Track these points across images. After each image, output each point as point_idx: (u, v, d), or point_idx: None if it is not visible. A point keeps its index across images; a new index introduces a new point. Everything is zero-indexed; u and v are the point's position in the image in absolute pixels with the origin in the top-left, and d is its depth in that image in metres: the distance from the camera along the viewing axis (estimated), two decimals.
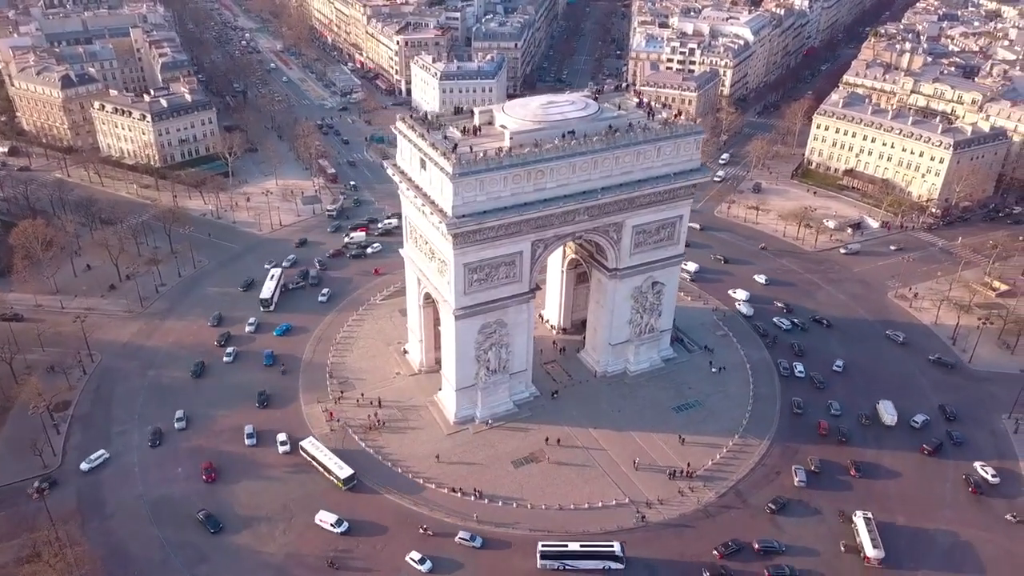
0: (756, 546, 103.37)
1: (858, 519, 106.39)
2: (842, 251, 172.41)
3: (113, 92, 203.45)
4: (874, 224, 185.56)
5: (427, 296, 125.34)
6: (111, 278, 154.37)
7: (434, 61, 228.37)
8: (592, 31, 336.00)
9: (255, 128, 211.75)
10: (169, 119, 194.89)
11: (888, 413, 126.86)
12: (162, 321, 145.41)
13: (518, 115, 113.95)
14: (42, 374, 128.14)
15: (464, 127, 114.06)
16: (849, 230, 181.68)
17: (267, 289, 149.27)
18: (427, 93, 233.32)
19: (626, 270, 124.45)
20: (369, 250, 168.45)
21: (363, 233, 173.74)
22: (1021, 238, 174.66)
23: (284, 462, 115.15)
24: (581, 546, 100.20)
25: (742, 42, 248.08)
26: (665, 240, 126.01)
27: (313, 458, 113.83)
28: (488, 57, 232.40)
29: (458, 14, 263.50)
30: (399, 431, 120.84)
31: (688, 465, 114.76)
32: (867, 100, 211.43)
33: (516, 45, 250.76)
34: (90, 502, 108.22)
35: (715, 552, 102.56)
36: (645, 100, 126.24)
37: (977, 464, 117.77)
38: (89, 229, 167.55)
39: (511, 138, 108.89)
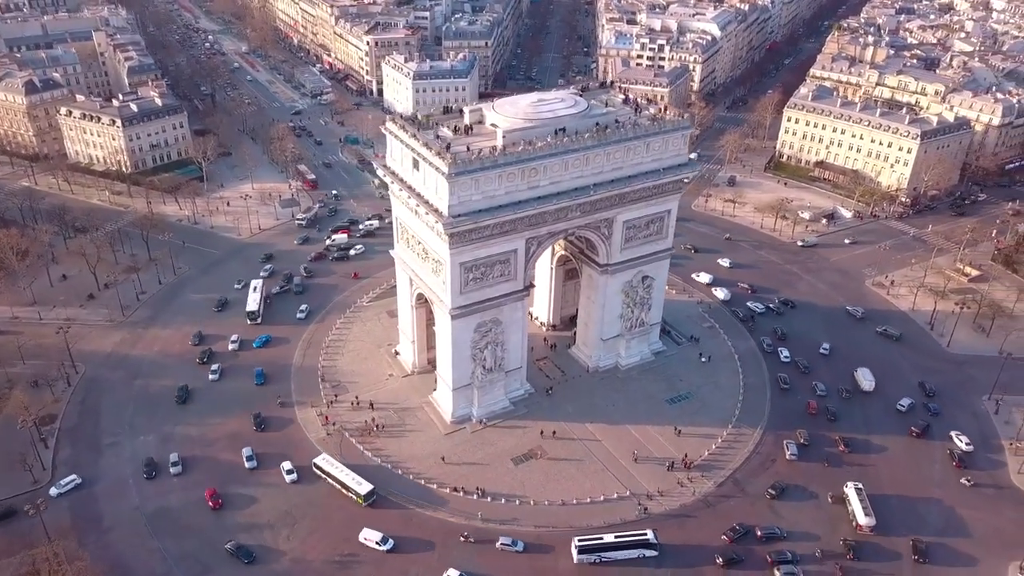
0: (759, 533, 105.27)
1: (849, 489, 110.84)
2: (799, 243, 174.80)
3: (80, 97, 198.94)
4: (847, 214, 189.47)
5: (419, 296, 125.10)
6: (89, 287, 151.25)
7: (406, 61, 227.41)
8: (558, 29, 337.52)
9: (227, 132, 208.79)
10: (140, 124, 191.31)
11: (866, 380, 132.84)
12: (145, 330, 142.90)
13: (509, 113, 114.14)
14: (25, 387, 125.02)
15: (455, 126, 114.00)
16: (824, 220, 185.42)
17: (252, 301, 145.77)
18: (399, 93, 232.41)
19: (617, 265, 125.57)
20: (352, 252, 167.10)
21: (345, 235, 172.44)
22: (995, 228, 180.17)
23: (293, 490, 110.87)
24: (616, 537, 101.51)
25: (709, 38, 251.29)
26: (654, 235, 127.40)
27: (328, 475, 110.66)
28: (460, 56, 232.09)
29: (427, 13, 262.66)
30: (397, 433, 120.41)
31: (686, 456, 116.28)
32: (835, 93, 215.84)
33: (487, 44, 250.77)
34: (86, 516, 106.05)
35: (724, 537, 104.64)
36: (631, 96, 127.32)
37: (953, 433, 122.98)
38: (63, 238, 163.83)
39: (504, 136, 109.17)
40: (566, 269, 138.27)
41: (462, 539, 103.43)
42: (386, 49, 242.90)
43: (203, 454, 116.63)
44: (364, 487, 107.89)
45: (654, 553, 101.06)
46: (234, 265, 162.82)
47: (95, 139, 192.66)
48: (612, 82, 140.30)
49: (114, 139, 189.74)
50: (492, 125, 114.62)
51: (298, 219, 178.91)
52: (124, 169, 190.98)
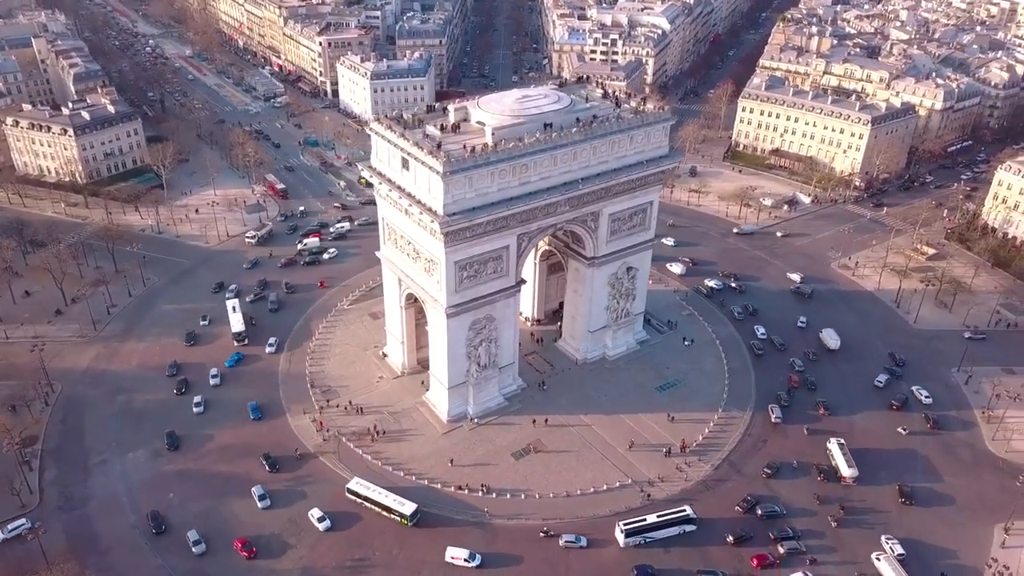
0: (759, 512, 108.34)
1: (832, 445, 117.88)
2: (734, 231, 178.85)
3: (27, 107, 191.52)
4: (806, 200, 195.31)
5: (409, 297, 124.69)
6: (56, 302, 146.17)
7: (362, 61, 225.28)
8: (505, 26, 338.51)
9: (182, 138, 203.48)
10: (93, 132, 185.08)
11: (832, 339, 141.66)
12: (121, 343, 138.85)
13: (495, 111, 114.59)
14: (1, 409, 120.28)
15: (442, 125, 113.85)
16: (785, 207, 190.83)
17: (236, 322, 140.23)
18: (356, 94, 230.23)
19: (603, 257, 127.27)
20: (325, 255, 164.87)
21: (316, 239, 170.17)
22: (946, 208, 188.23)
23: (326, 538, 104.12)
24: (658, 516, 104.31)
25: (660, 31, 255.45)
26: (638, 226, 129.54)
27: (366, 499, 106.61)
28: (416, 55, 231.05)
29: (378, 13, 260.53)
30: (395, 436, 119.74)
31: (683, 441, 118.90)
32: (786, 82, 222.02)
33: (440, 42, 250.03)
34: (83, 538, 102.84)
35: (737, 508, 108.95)
36: (611, 91, 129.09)
37: (914, 388, 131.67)
38: (22, 253, 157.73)
39: (493, 134, 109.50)
40: (549, 264, 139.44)
41: (542, 535, 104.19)
42: (340, 50, 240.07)
43: (208, 503, 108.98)
44: (408, 507, 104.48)
45: (693, 527, 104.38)
46: (204, 273, 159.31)
47: (46, 149, 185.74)
48: (588, 77, 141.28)
49: (66, 149, 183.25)
50: (478, 123, 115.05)
51: (247, 237, 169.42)
52: (78, 180, 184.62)
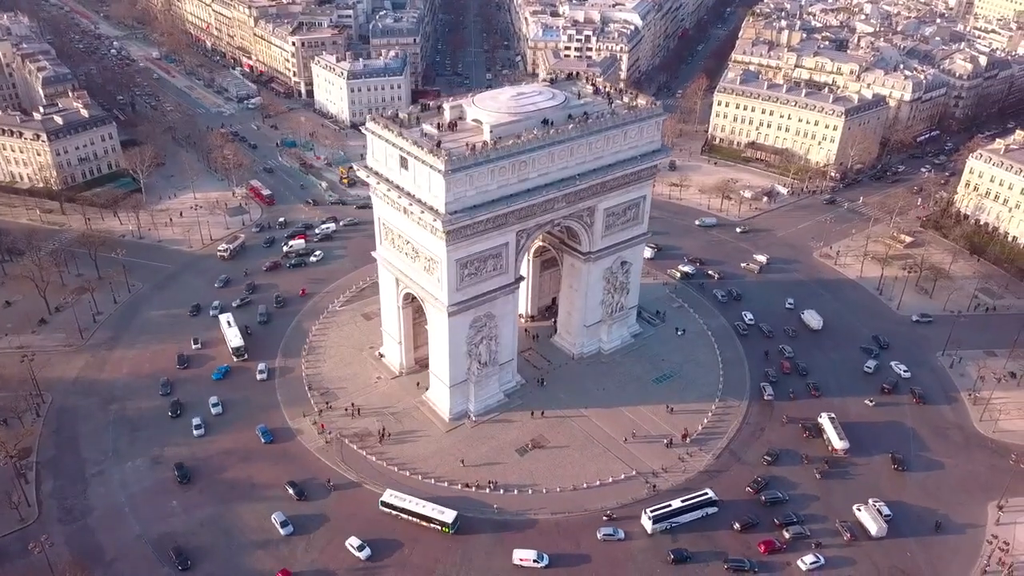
0: (763, 498, 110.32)
1: (823, 419, 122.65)
2: (696, 223, 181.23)
3: None
4: (784, 191, 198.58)
5: (406, 296, 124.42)
6: (39, 312, 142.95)
7: (338, 60, 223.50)
8: (474, 23, 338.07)
9: (157, 141, 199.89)
10: (67, 137, 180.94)
11: (814, 319, 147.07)
12: (110, 351, 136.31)
13: (492, 108, 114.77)
14: None
15: (439, 123, 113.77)
16: (765, 198, 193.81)
17: (233, 337, 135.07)
18: (332, 94, 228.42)
19: (599, 252, 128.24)
20: (312, 258, 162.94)
21: (302, 240, 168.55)
22: (920, 197, 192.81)
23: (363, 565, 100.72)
24: (682, 501, 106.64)
25: (633, 27, 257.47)
26: (631, 221, 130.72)
27: (403, 511, 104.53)
28: (392, 54, 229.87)
29: (350, 12, 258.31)
30: (398, 436, 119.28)
31: (686, 430, 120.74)
32: (760, 76, 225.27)
33: (415, 40, 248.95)
34: (87, 549, 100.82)
35: (748, 489, 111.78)
36: (602, 87, 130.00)
37: (892, 363, 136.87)
38: (0, 262, 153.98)
39: (491, 131, 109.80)
40: (542, 260, 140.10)
41: (605, 518, 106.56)
42: (313, 50, 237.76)
43: (214, 509, 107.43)
44: (448, 515, 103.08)
45: (715, 509, 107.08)
46: (188, 278, 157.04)
47: (17, 155, 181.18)
48: (578, 73, 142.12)
49: (39, 155, 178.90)
50: (474, 120, 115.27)
51: (219, 251, 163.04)
52: (52, 186, 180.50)
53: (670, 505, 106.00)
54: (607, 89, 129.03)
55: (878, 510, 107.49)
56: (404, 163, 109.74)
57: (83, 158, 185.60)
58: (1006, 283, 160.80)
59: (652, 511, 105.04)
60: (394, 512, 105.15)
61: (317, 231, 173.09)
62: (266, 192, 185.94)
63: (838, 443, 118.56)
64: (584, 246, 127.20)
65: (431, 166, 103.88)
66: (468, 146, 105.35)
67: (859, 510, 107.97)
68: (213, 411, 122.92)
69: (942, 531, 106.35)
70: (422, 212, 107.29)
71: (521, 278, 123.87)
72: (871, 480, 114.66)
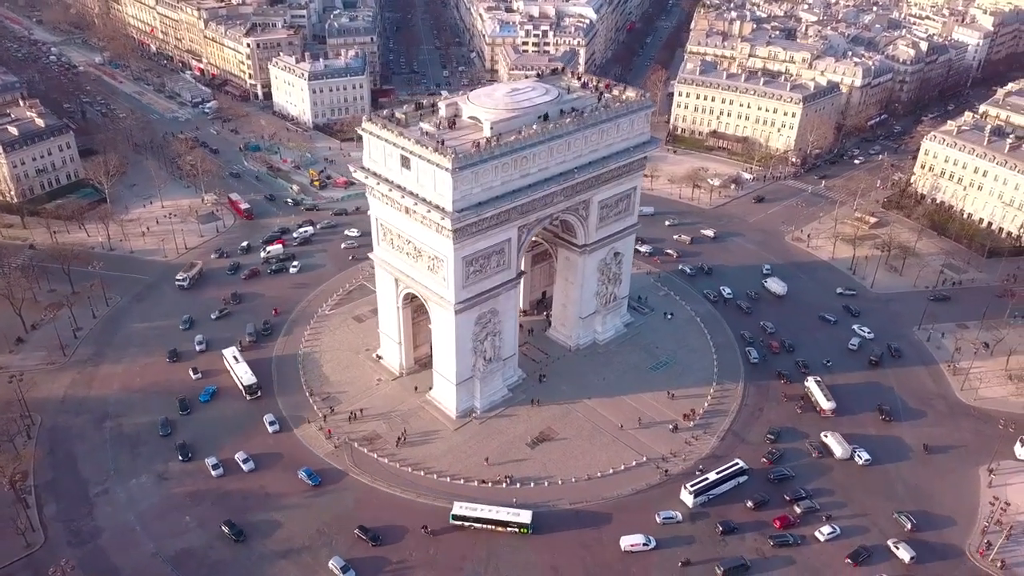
0: (771, 476, 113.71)
1: (810, 382, 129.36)
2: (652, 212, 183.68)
3: None
4: (748, 177, 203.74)
5: (406, 296, 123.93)
6: (15, 330, 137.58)
7: (297, 62, 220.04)
8: (423, 20, 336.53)
9: (118, 148, 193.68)
10: (23, 149, 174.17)
11: (777, 286, 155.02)
12: (96, 367, 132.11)
13: (489, 105, 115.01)
14: None
15: (438, 122, 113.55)
16: (732, 185, 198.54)
17: (245, 374, 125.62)
18: (292, 95, 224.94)
19: (594, 244, 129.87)
20: (291, 269, 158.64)
21: (280, 246, 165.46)
22: (878, 179, 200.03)
23: None
24: (717, 473, 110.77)
25: (588, 21, 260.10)
26: (623, 212, 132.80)
27: (477, 520, 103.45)
28: (352, 53, 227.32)
29: (303, 12, 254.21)
30: (410, 438, 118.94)
31: (692, 410, 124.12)
32: (717, 66, 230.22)
33: (372, 39, 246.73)
34: (103, 572, 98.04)
35: (763, 460, 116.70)
36: (589, 81, 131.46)
37: (855, 326, 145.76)
38: None
39: (491, 128, 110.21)
40: (533, 255, 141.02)
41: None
42: (269, 51, 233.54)
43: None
44: (524, 515, 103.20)
45: (745, 478, 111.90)
46: (168, 289, 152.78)
47: None
48: (563, 68, 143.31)
49: None
50: (471, 118, 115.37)
51: (177, 280, 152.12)
52: (10, 199, 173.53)
53: (707, 478, 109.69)
54: (595, 83, 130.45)
55: (858, 455, 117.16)
56: (406, 162, 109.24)
57: (41, 169, 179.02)
58: (968, 259, 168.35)
59: (691, 486, 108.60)
60: (466, 524, 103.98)
61: (295, 235, 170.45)
62: (244, 206, 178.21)
63: (825, 404, 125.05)
64: (580, 239, 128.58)
65: (437, 164, 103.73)
66: (474, 143, 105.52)
67: (826, 436, 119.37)
68: (245, 467, 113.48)
69: (932, 460, 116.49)
70: (428, 211, 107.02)
71: (523, 273, 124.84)
72: (859, 429, 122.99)
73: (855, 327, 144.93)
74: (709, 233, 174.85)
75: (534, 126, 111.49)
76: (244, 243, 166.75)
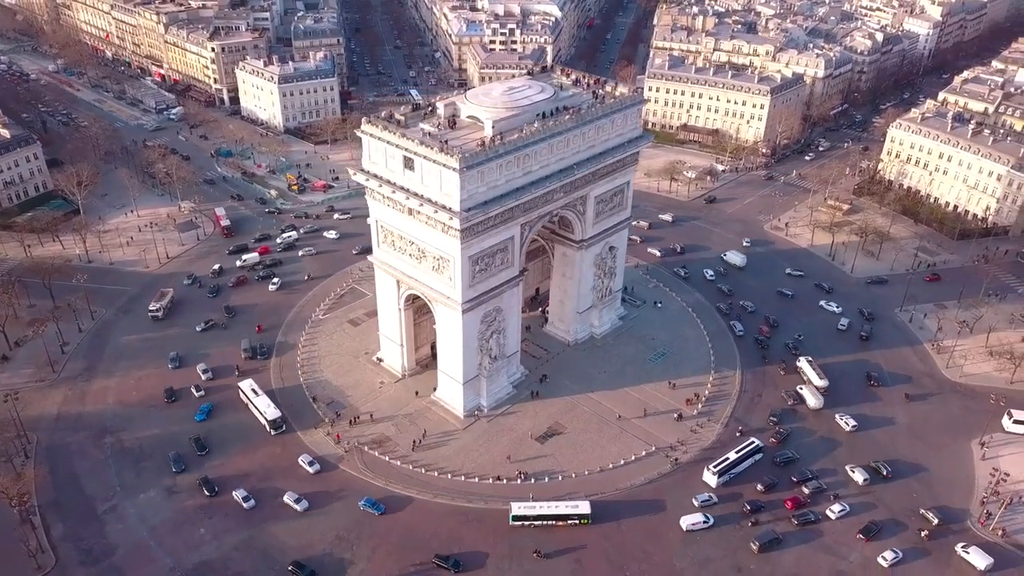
0: (776, 459, 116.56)
1: (802, 363, 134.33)
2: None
3: None
4: (720, 168, 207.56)
5: (408, 298, 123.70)
6: None
7: (265, 65, 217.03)
8: (383, 21, 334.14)
9: (89, 158, 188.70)
10: None
11: (736, 257, 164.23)
12: (88, 383, 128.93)
13: (488, 104, 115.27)
14: None
15: (439, 122, 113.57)
16: (708, 177, 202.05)
17: (269, 409, 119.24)
18: (261, 99, 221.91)
19: (591, 239, 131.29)
20: (275, 279, 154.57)
21: (256, 254, 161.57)
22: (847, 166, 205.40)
23: None
24: (736, 452, 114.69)
25: (553, 19, 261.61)
26: (617, 206, 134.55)
27: (537, 518, 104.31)
28: (321, 55, 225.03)
29: (267, 14, 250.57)
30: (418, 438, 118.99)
31: (696, 394, 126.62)
32: (685, 60, 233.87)
33: (339, 41, 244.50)
34: None
35: (772, 439, 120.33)
36: (580, 79, 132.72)
37: (822, 303, 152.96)
38: None
39: (493, 127, 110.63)
40: (526, 252, 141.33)
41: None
42: (235, 55, 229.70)
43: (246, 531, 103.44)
44: (584, 506, 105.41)
45: (761, 455, 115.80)
46: (151, 300, 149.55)
47: None
48: (553, 65, 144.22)
49: None
50: (470, 117, 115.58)
51: (150, 310, 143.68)
52: None
53: (728, 458, 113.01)
54: (586, 80, 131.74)
55: (845, 422, 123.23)
56: (409, 164, 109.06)
57: (8, 181, 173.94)
58: (939, 242, 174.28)
59: (714, 466, 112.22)
60: (527, 524, 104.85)
61: (279, 240, 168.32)
62: (225, 223, 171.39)
63: (819, 382, 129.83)
64: (577, 234, 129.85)
65: (444, 165, 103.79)
66: (479, 142, 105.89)
67: (800, 388, 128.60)
68: (298, 507, 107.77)
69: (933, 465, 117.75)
70: (434, 211, 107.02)
71: (525, 270, 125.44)
72: (849, 398, 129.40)
73: (822, 303, 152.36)
74: (667, 217, 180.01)
75: (535, 124, 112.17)
76: (217, 264, 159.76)
